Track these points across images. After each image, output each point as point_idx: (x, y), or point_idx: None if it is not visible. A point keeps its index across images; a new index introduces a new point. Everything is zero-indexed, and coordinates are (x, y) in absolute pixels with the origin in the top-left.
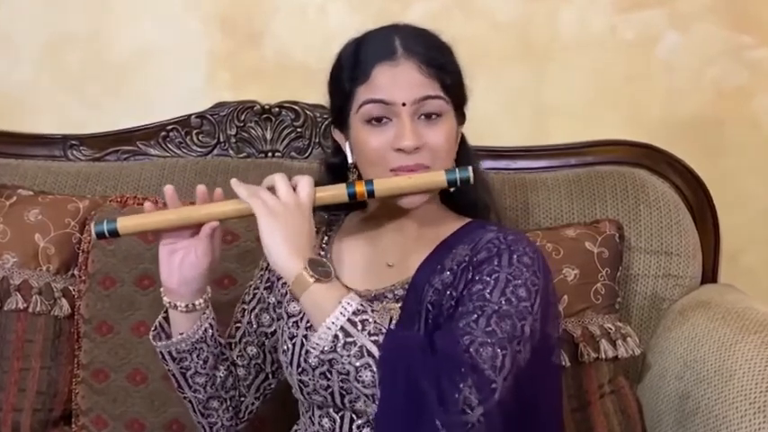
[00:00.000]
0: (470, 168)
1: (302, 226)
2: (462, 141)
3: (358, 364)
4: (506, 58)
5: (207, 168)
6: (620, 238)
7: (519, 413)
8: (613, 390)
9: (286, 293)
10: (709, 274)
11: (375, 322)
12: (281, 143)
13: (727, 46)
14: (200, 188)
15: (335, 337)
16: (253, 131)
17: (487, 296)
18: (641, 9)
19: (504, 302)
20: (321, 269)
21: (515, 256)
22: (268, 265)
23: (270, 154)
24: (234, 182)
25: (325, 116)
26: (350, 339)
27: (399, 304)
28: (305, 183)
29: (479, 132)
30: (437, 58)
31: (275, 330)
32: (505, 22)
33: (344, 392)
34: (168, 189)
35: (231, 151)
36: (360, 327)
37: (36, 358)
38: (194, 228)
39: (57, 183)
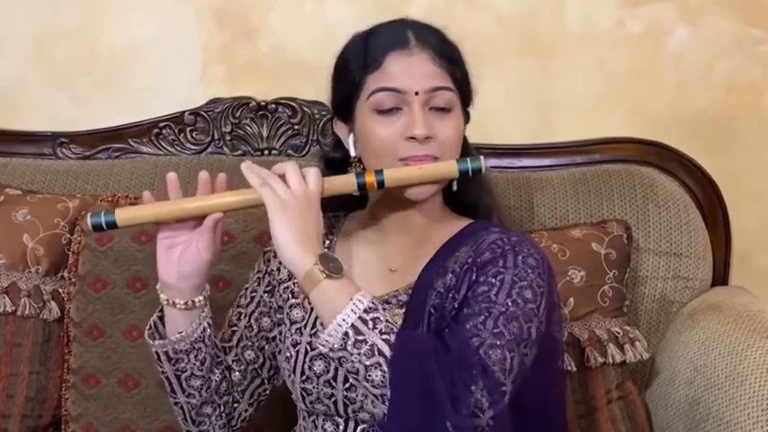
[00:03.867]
0: (482, 158)
1: (312, 219)
2: (464, 141)
3: (368, 363)
4: (511, 52)
5: (201, 167)
6: (627, 239)
7: (523, 419)
8: (621, 395)
9: (288, 298)
10: (720, 275)
11: (386, 321)
12: (277, 140)
13: (738, 40)
14: (203, 175)
15: (346, 334)
16: (248, 128)
17: (493, 298)
18: (649, 2)
19: (510, 304)
20: (332, 265)
21: (520, 258)
22: (267, 267)
23: (266, 152)
24: (244, 166)
25: (323, 113)
26: (360, 337)
27: (403, 310)
28: (313, 174)
29: (483, 129)
30: (449, 52)
31: (276, 335)
32: (510, 16)
33: (348, 402)
34: (171, 177)
35: (226, 149)
36: (371, 325)
37: (24, 363)
38: (196, 219)
39: (46, 181)
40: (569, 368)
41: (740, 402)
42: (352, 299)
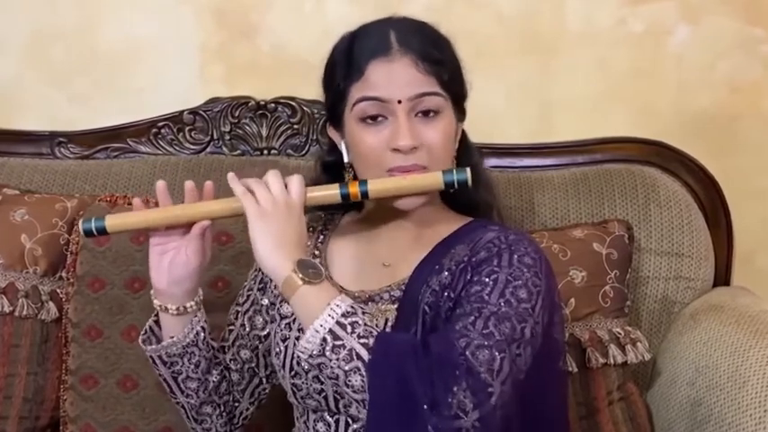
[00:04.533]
0: (468, 170)
1: (292, 227)
2: (463, 138)
3: (347, 368)
4: (511, 51)
5: (200, 166)
6: (629, 239)
7: (524, 421)
8: (622, 396)
9: (279, 295)
10: (722, 276)
11: (365, 324)
12: (276, 140)
13: (740, 40)
14: (189, 184)
15: (324, 340)
16: (248, 128)
17: (486, 298)
18: (650, 1)
19: (503, 304)
20: (311, 271)
21: (516, 257)
22: None
23: (265, 151)
24: (230, 177)
25: (323, 112)
26: (338, 342)
27: (395, 306)
28: (295, 182)
29: (483, 129)
30: (434, 53)
31: (269, 333)
32: (510, 15)
33: (338, 396)
34: (160, 185)
35: (225, 149)
36: (349, 329)
37: (22, 364)
38: (185, 227)
39: (44, 181)
40: (570, 369)
41: (742, 403)
42: (329, 304)
